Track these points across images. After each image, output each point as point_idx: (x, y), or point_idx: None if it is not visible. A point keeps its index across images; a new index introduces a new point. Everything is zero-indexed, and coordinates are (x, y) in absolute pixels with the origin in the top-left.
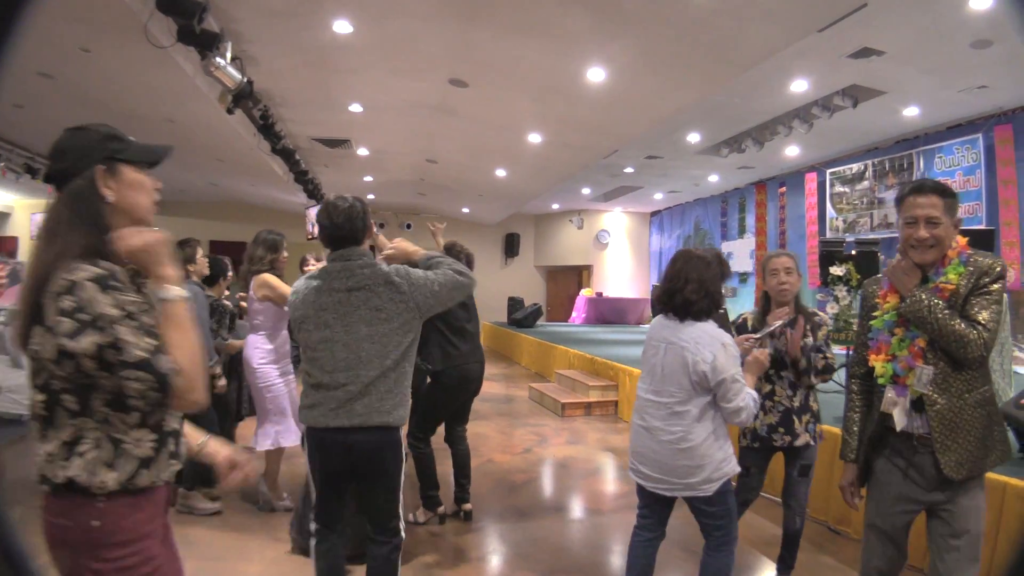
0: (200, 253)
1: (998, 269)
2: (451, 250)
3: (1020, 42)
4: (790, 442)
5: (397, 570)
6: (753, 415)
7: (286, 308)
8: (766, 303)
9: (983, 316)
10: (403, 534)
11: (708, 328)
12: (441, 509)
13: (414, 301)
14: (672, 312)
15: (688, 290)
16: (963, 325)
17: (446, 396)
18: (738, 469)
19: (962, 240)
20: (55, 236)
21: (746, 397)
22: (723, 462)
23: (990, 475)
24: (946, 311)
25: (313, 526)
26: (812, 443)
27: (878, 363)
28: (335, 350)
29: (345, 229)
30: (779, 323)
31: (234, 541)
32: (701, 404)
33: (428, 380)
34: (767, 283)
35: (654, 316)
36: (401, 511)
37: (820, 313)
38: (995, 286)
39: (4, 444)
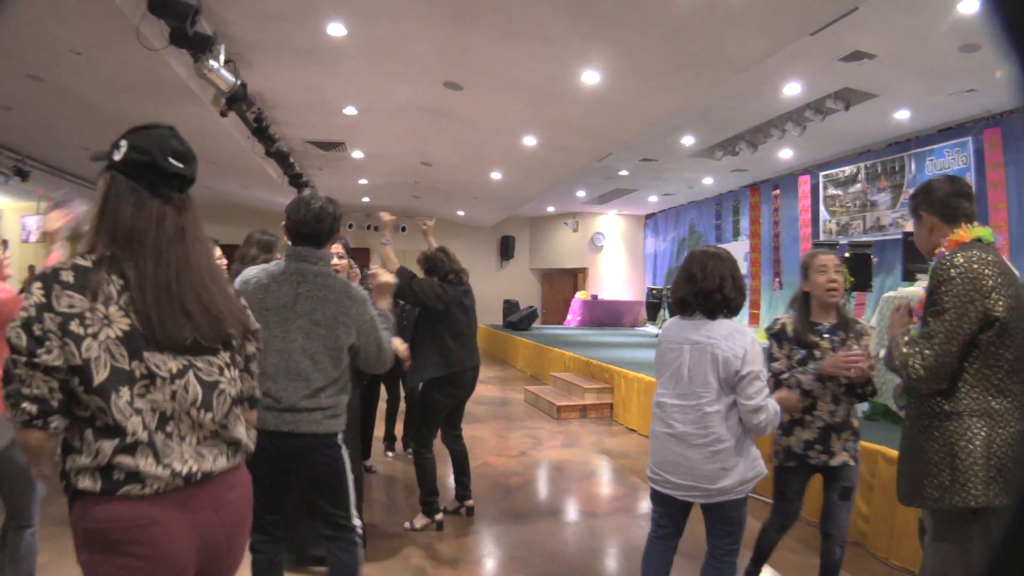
0: (218, 253)
1: (941, 272)
2: (432, 259)
3: (995, 51)
4: (826, 461)
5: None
6: (772, 424)
7: None
8: (805, 305)
9: (925, 332)
10: (360, 532)
11: (736, 323)
12: (439, 516)
13: (356, 330)
14: (705, 312)
15: (727, 288)
16: (905, 349)
17: (444, 399)
18: (766, 471)
19: (957, 236)
20: None
21: (768, 399)
22: (755, 461)
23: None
24: (905, 337)
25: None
26: (851, 463)
27: None
28: (268, 355)
29: (309, 227)
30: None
31: None
32: (728, 403)
33: (421, 386)
34: (811, 282)
35: (651, 318)
36: (354, 510)
37: (861, 321)
38: (941, 290)
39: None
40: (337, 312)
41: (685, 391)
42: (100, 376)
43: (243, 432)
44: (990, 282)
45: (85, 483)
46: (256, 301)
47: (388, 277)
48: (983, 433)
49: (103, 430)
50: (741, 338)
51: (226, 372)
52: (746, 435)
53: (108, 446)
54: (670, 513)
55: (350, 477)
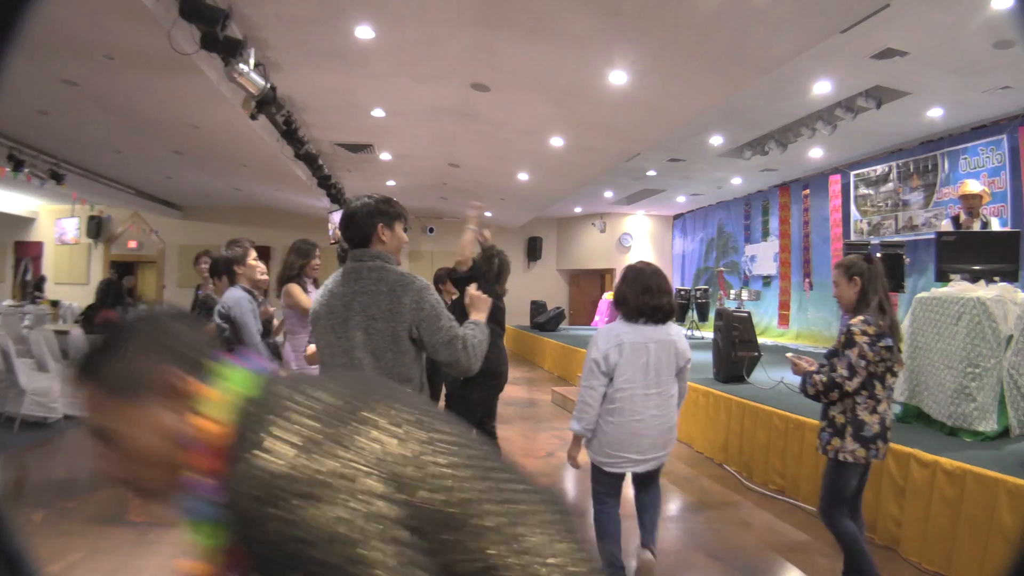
0: (253, 255)
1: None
2: (492, 259)
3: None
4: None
5: None
6: None
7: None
8: None
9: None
10: None
11: (675, 325)
12: None
13: (412, 320)
14: (658, 319)
15: (668, 301)
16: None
17: (483, 395)
18: None
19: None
20: None
21: None
22: None
23: (983, 471)
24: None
25: None
26: (821, 451)
27: None
28: (334, 355)
29: (349, 232)
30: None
31: None
32: (676, 388)
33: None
34: None
35: (679, 319)
36: None
37: (856, 326)
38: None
39: (28, 447)
40: (391, 304)
41: (651, 382)
42: None
43: None
44: None
45: None
46: (322, 307)
47: (483, 297)
48: None
49: None
50: (682, 335)
51: None
52: None
53: None
54: (616, 485)
55: None
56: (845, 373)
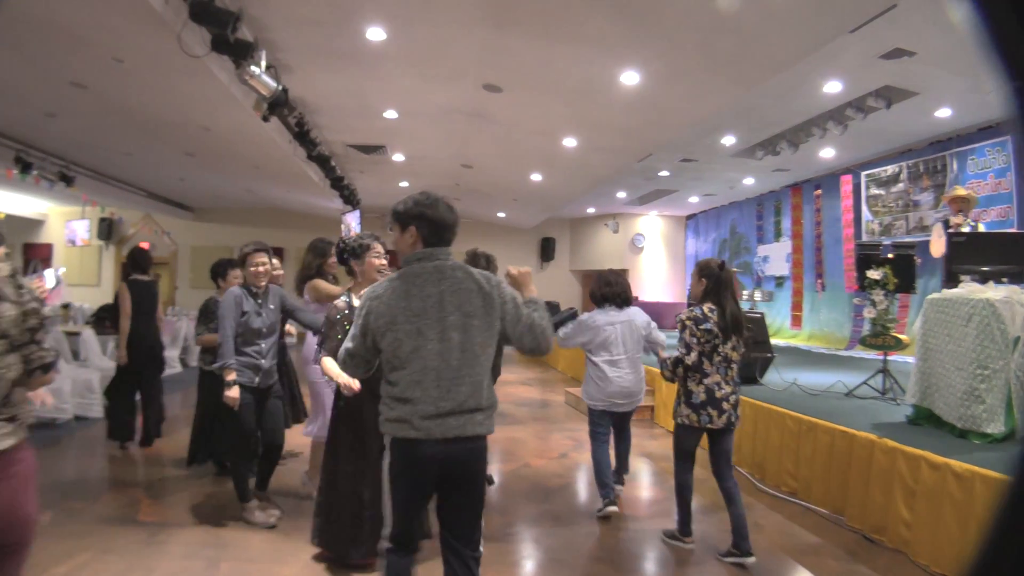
0: (263, 259)
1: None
2: (474, 258)
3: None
4: None
5: None
6: None
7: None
8: None
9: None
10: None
11: (635, 307)
12: None
13: (501, 314)
14: (616, 305)
15: (628, 291)
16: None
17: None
18: None
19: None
20: None
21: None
22: None
23: (992, 474)
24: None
25: (386, 545)
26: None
27: None
28: (427, 360)
29: (451, 227)
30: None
31: (269, 543)
32: (641, 352)
33: None
34: None
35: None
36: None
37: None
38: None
39: (39, 448)
40: (483, 300)
41: (622, 351)
42: None
43: (23, 410)
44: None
45: None
46: (401, 310)
47: (523, 271)
48: None
49: None
50: (642, 314)
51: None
52: None
53: None
54: (605, 424)
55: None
56: (683, 350)
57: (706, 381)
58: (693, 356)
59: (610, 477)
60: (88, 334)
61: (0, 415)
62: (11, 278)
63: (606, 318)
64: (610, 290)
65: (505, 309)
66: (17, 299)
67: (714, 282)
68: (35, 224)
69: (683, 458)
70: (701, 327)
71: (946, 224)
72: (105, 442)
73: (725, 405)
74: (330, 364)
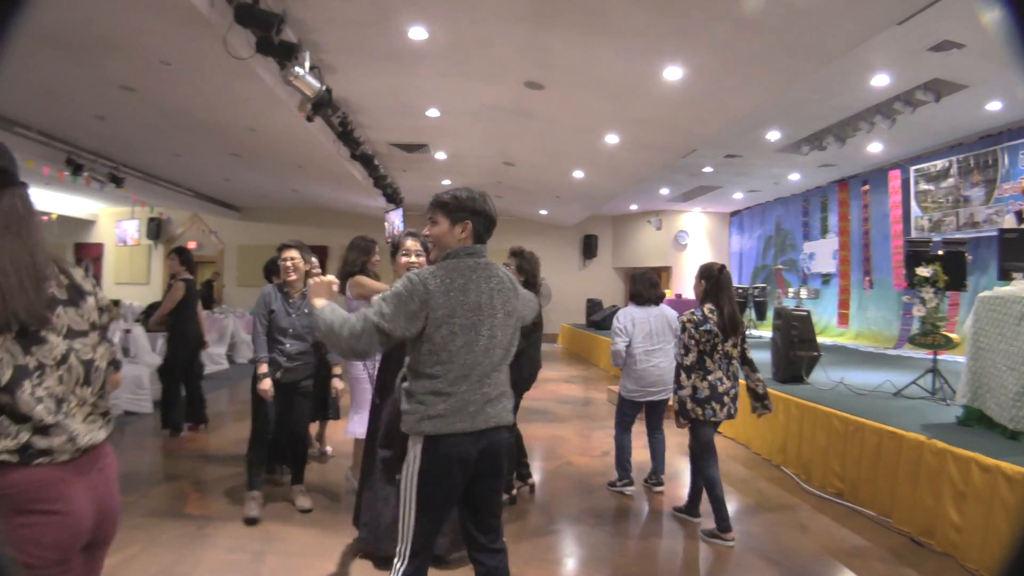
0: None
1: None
2: (521, 256)
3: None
4: None
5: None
6: None
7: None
8: None
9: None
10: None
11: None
12: (514, 491)
13: (518, 318)
14: (654, 302)
15: (659, 291)
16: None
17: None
18: None
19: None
20: None
21: None
22: None
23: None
24: None
25: (407, 550)
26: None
27: None
28: (476, 355)
29: (490, 232)
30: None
31: (313, 537)
32: (673, 345)
33: None
34: None
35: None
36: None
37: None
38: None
39: None
40: (518, 302)
41: (656, 343)
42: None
43: (111, 404)
44: None
45: (2, 457)
46: (459, 304)
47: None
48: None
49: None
50: (674, 312)
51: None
52: None
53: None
54: (633, 414)
55: None
56: (682, 351)
57: (709, 377)
58: (691, 357)
59: (630, 462)
60: (138, 331)
61: (97, 408)
62: (85, 277)
63: (641, 313)
64: (653, 292)
65: (524, 312)
66: (95, 294)
67: (713, 284)
68: (86, 224)
69: (705, 452)
70: (701, 329)
71: (1019, 215)
72: (153, 437)
73: (726, 399)
74: (328, 312)
